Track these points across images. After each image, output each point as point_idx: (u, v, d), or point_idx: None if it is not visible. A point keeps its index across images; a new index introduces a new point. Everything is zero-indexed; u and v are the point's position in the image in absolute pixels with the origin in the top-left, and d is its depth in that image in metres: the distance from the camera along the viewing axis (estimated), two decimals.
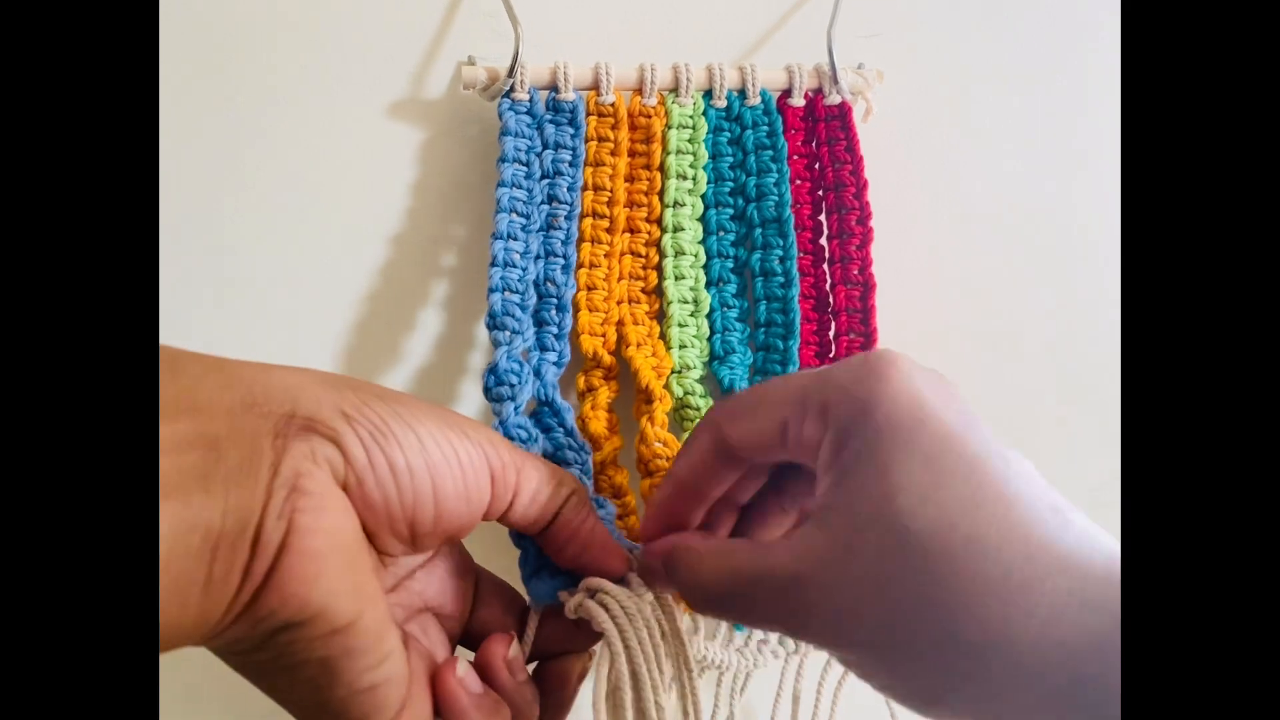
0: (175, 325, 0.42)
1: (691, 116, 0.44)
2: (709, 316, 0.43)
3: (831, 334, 0.44)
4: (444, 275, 0.45)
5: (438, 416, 0.29)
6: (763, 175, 0.44)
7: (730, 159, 0.44)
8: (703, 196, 0.44)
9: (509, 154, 0.41)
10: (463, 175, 0.44)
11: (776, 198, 0.44)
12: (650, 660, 0.31)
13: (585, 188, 0.43)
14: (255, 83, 0.43)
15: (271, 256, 0.44)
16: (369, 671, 0.27)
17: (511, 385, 0.37)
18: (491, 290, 0.40)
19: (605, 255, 0.43)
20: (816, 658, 0.43)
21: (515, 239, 0.41)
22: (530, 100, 0.42)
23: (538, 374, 0.40)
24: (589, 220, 0.43)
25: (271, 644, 0.26)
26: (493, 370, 0.38)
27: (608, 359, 0.42)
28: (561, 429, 0.39)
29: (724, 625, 0.43)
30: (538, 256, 0.41)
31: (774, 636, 0.43)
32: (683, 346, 0.42)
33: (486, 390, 0.38)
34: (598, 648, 0.31)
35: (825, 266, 0.45)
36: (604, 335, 0.42)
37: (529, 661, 0.34)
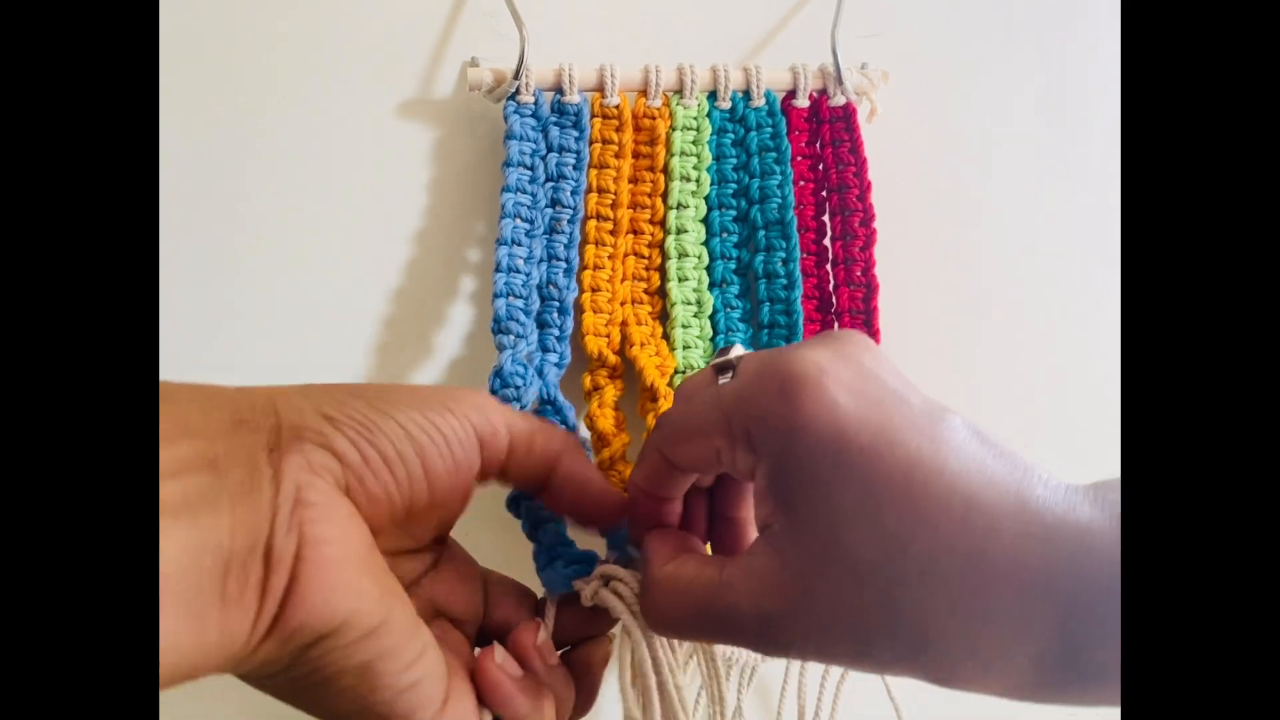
0: (194, 331, 0.42)
1: (696, 118, 0.44)
2: (712, 318, 0.44)
3: (838, 329, 0.44)
4: (467, 270, 0.45)
5: (416, 400, 0.30)
6: (766, 177, 0.44)
7: (734, 161, 0.45)
8: (706, 198, 0.44)
9: (514, 158, 0.42)
10: (476, 172, 0.45)
11: (780, 200, 0.44)
12: (666, 644, 0.32)
13: (590, 190, 0.43)
14: (262, 84, 0.44)
15: (288, 257, 0.44)
16: (408, 670, 0.28)
17: (517, 387, 0.38)
18: (496, 295, 0.40)
19: (609, 257, 0.43)
20: None
21: (519, 244, 0.41)
22: (535, 103, 0.42)
23: (540, 374, 0.40)
24: (593, 222, 0.43)
25: (305, 659, 0.26)
26: (498, 373, 0.39)
27: (612, 359, 0.42)
28: (563, 427, 0.39)
29: None
30: (541, 260, 0.42)
31: None
32: (686, 347, 0.43)
33: (492, 392, 0.39)
34: (616, 634, 0.32)
35: (828, 268, 0.45)
36: (608, 336, 0.42)
37: None
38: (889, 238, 0.45)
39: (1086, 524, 0.24)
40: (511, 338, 0.40)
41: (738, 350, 0.31)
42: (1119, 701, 0.23)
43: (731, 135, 0.45)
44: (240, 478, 0.25)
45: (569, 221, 0.42)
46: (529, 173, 0.42)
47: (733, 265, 0.44)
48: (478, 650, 0.33)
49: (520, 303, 0.41)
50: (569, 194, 0.42)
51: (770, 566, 0.27)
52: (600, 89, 0.43)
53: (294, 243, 0.44)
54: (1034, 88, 0.49)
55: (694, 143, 0.44)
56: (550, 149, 0.42)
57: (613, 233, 0.43)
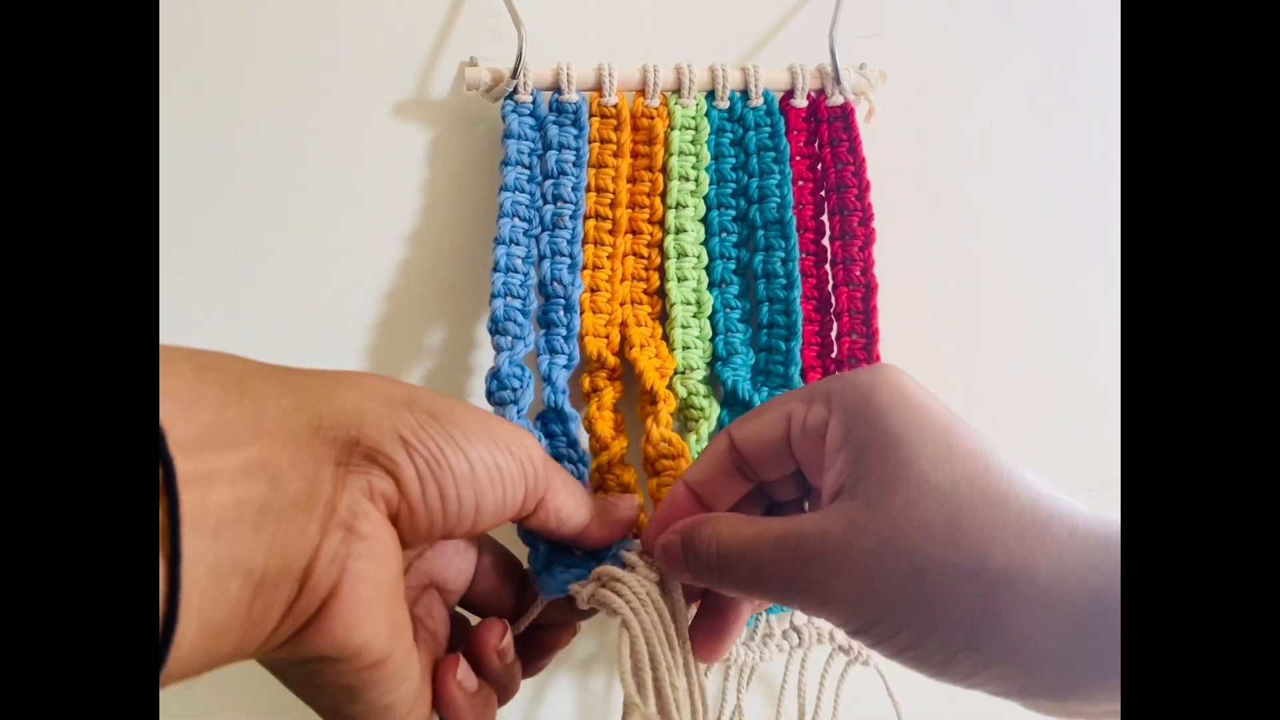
0: (190, 329, 0.42)
1: (694, 118, 0.44)
2: (711, 318, 0.44)
3: (833, 335, 0.44)
4: (464, 271, 0.45)
5: (486, 434, 0.30)
6: (765, 177, 0.44)
7: (732, 160, 0.45)
8: (705, 198, 0.44)
9: (512, 157, 0.42)
10: (472, 173, 0.45)
11: (779, 199, 0.44)
12: (664, 642, 0.32)
13: (588, 189, 0.43)
14: (259, 84, 0.44)
15: (280, 258, 0.44)
16: (389, 694, 0.29)
17: (514, 389, 0.38)
18: (494, 295, 0.40)
19: (608, 257, 0.43)
20: (820, 651, 0.44)
21: (517, 244, 0.41)
22: (533, 102, 0.42)
23: (548, 379, 0.40)
24: (592, 222, 0.43)
25: (305, 668, 0.27)
26: (495, 375, 0.38)
27: (612, 360, 0.42)
28: (565, 437, 0.39)
29: None
30: (543, 257, 0.41)
31: (779, 630, 0.43)
32: (685, 348, 0.43)
33: (489, 394, 0.38)
34: (617, 632, 0.32)
35: (827, 268, 0.45)
36: (607, 337, 0.42)
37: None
38: (888, 237, 0.45)
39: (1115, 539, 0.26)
40: (509, 339, 0.39)
41: None
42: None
43: (730, 135, 0.45)
44: (295, 495, 0.25)
45: (571, 217, 0.42)
46: (527, 172, 0.42)
47: (732, 265, 0.44)
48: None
49: (518, 303, 0.40)
50: (570, 190, 0.42)
51: (835, 505, 0.29)
52: (598, 88, 0.43)
53: (290, 243, 0.44)
54: (1033, 88, 0.49)
55: (692, 142, 0.44)
56: (549, 147, 0.42)
57: (611, 232, 0.43)
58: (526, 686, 0.45)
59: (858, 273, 0.44)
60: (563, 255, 0.42)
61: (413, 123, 0.44)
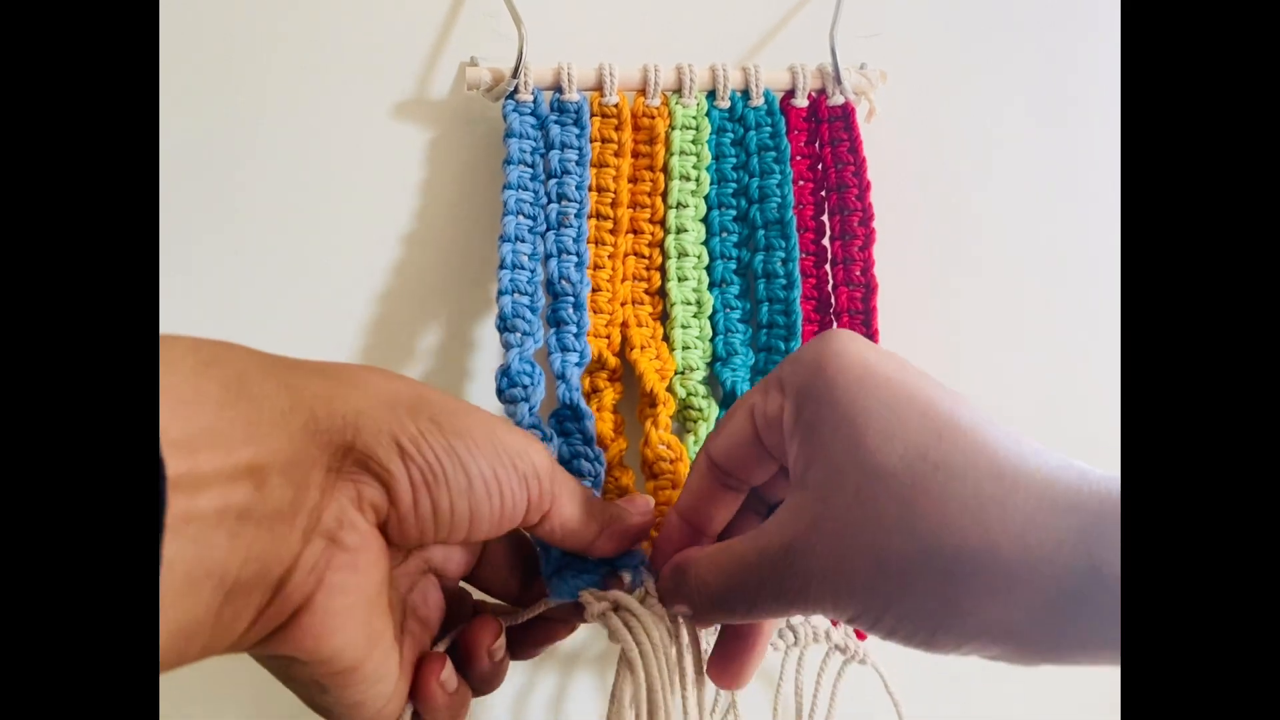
0: (189, 329, 0.42)
1: (695, 117, 0.44)
2: (711, 318, 0.43)
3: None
4: (464, 272, 0.45)
5: (491, 445, 0.29)
6: (766, 177, 0.44)
7: (733, 160, 0.45)
8: (706, 198, 0.44)
9: (514, 156, 0.42)
10: (470, 174, 0.45)
11: (779, 199, 0.44)
12: (667, 688, 0.31)
13: (589, 188, 0.43)
14: (259, 85, 0.44)
15: (280, 258, 0.44)
16: (359, 694, 0.28)
17: (525, 387, 0.38)
18: (501, 293, 0.40)
19: (609, 256, 0.43)
20: (817, 649, 0.44)
21: (523, 241, 0.41)
22: (534, 101, 0.42)
23: (561, 377, 0.40)
24: (593, 221, 0.43)
25: (276, 661, 0.27)
26: (505, 372, 0.38)
27: (613, 360, 0.42)
28: (580, 435, 0.39)
29: None
30: (549, 255, 0.41)
31: (775, 629, 0.43)
32: (686, 348, 0.43)
33: (499, 392, 0.38)
34: (618, 666, 0.32)
35: (827, 268, 0.45)
36: (608, 337, 0.42)
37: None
38: (888, 237, 0.45)
39: (1109, 478, 0.25)
40: (518, 335, 0.39)
41: None
42: (1112, 653, 0.23)
43: (731, 134, 0.45)
44: (279, 502, 0.25)
45: (576, 215, 0.42)
46: (530, 170, 0.42)
47: (733, 265, 0.44)
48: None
49: (526, 299, 0.40)
50: (574, 188, 0.42)
51: (792, 500, 0.28)
52: (599, 88, 0.43)
53: (289, 243, 0.44)
54: (1033, 87, 0.49)
55: (693, 142, 0.44)
56: (551, 146, 0.42)
57: (613, 231, 0.43)
58: (517, 684, 0.45)
59: (858, 273, 0.44)
60: (569, 253, 0.41)
61: (412, 123, 0.44)
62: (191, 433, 0.23)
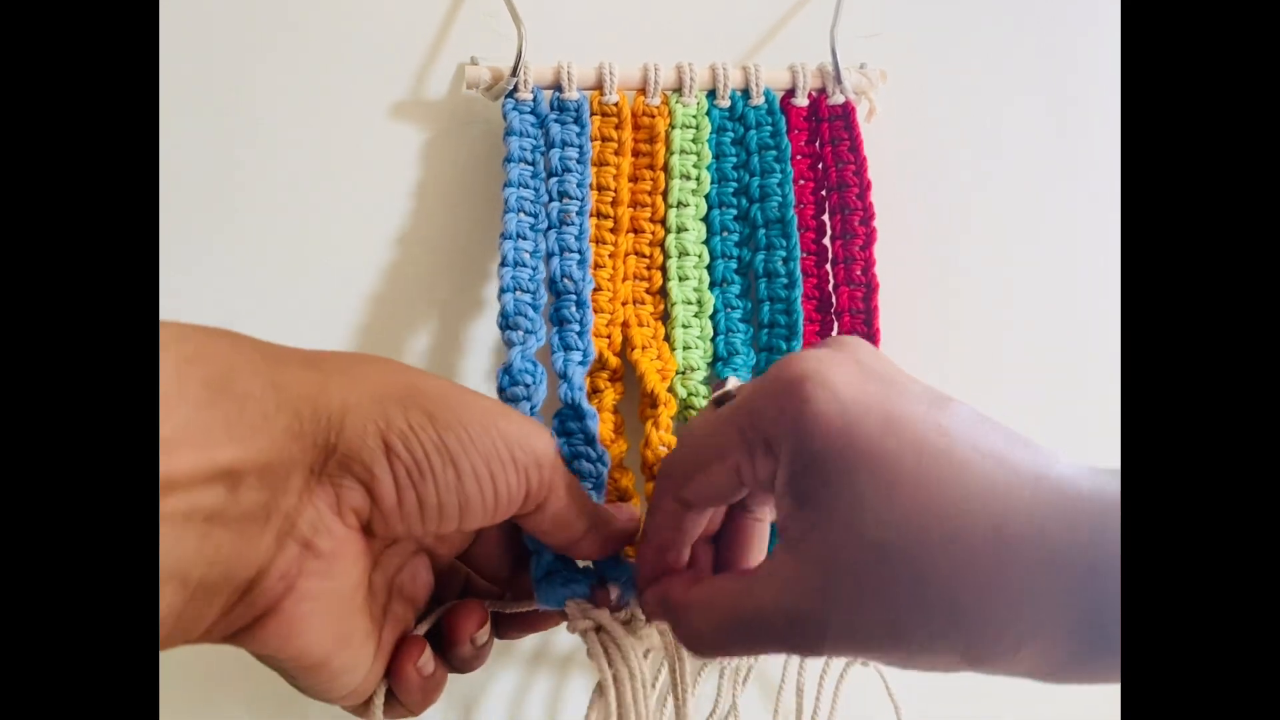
0: None
1: (695, 116, 0.44)
2: (712, 318, 0.43)
3: (834, 334, 0.44)
4: (450, 275, 0.45)
5: (489, 435, 0.29)
6: (766, 176, 0.44)
7: (734, 159, 0.45)
8: (706, 197, 0.44)
9: (514, 153, 0.42)
10: (467, 175, 0.45)
11: (780, 198, 0.44)
12: (643, 713, 0.31)
13: (590, 187, 0.43)
14: (256, 85, 0.44)
15: (276, 258, 0.44)
16: (326, 682, 0.29)
17: (527, 385, 0.37)
18: (503, 290, 0.40)
19: (610, 255, 0.43)
20: None
21: (524, 238, 0.41)
22: (534, 99, 0.42)
23: (564, 376, 0.39)
24: (594, 220, 0.43)
25: (238, 647, 0.27)
26: (507, 370, 0.38)
27: (613, 360, 0.42)
28: (582, 435, 0.38)
29: None
30: (550, 254, 0.41)
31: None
32: (687, 348, 0.43)
33: (501, 391, 0.38)
34: (593, 691, 0.32)
35: (828, 267, 0.45)
36: (609, 336, 0.42)
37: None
38: (889, 236, 0.45)
39: (1108, 494, 0.23)
40: (520, 333, 0.39)
41: (734, 382, 0.31)
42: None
43: (731, 134, 0.45)
44: (252, 505, 0.25)
45: (578, 213, 0.42)
46: (530, 168, 0.42)
47: (733, 264, 0.44)
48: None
49: (528, 297, 0.40)
50: (575, 186, 0.42)
51: (790, 563, 0.27)
52: (599, 87, 0.43)
53: (288, 243, 0.44)
54: (1033, 87, 0.49)
55: (693, 141, 0.44)
56: (551, 144, 0.42)
57: (613, 230, 0.43)
58: (514, 684, 0.45)
59: (859, 272, 0.44)
60: (572, 251, 0.41)
61: (411, 123, 0.44)
62: (166, 433, 0.23)
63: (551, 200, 0.42)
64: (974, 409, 0.26)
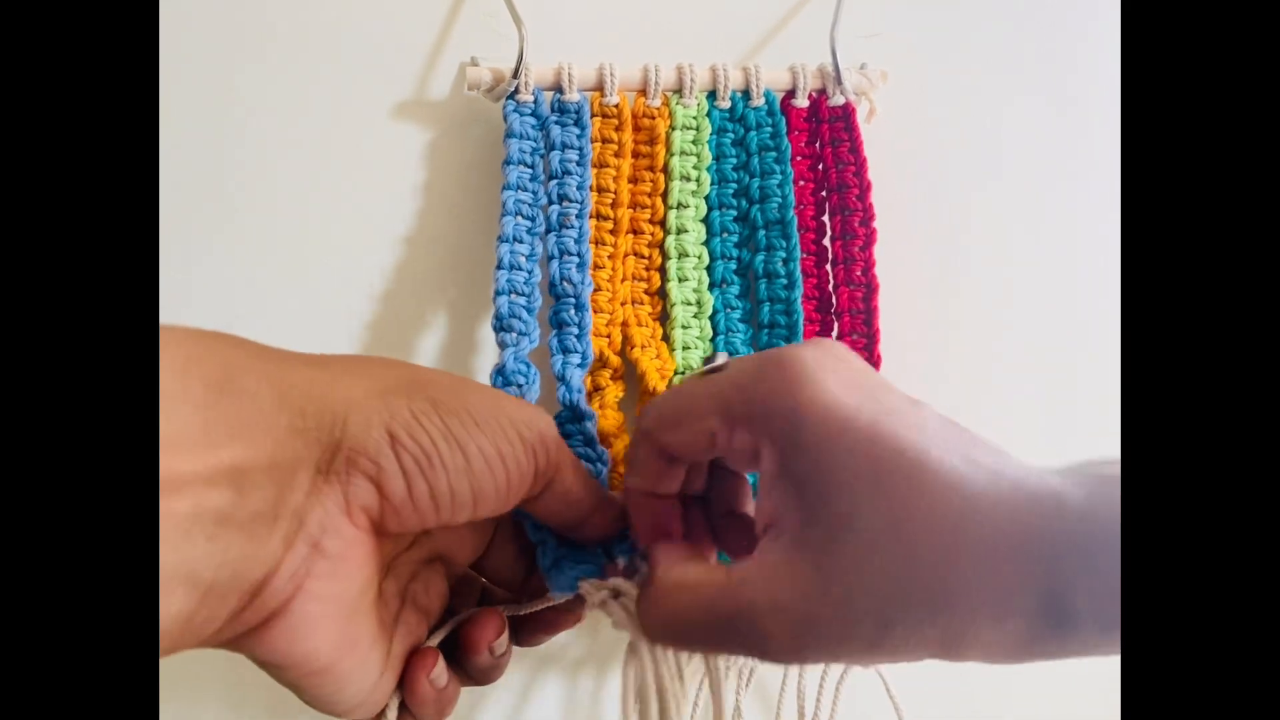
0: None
1: (695, 118, 0.44)
2: (712, 318, 0.43)
3: (834, 335, 0.44)
4: (452, 275, 0.45)
5: (495, 418, 0.29)
6: (766, 177, 0.44)
7: (734, 160, 0.45)
8: (706, 198, 0.44)
9: (514, 156, 0.42)
10: (468, 175, 0.45)
11: (780, 199, 0.44)
12: (674, 673, 0.31)
13: (590, 189, 0.43)
14: (257, 85, 0.44)
15: (276, 259, 0.44)
16: (332, 691, 0.28)
17: (519, 385, 0.38)
18: (498, 293, 0.40)
19: (609, 256, 0.43)
20: None
21: (521, 242, 0.41)
22: (535, 101, 0.42)
23: (561, 378, 0.39)
24: (593, 222, 0.43)
25: (244, 653, 0.27)
26: (500, 371, 0.38)
27: (614, 360, 0.42)
28: (582, 436, 0.38)
29: None
30: (550, 256, 0.41)
31: None
32: (686, 348, 0.43)
33: None
34: (625, 653, 0.31)
35: (828, 268, 0.45)
36: (609, 336, 0.42)
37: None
38: (889, 237, 0.45)
39: (1058, 491, 0.25)
40: (514, 335, 0.39)
41: (723, 357, 0.31)
42: (1104, 649, 0.24)
43: (731, 135, 0.45)
44: (260, 505, 0.24)
45: (578, 216, 0.42)
46: (529, 170, 0.42)
47: (733, 265, 0.44)
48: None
49: (522, 300, 0.40)
50: (575, 189, 0.42)
51: (786, 556, 0.27)
52: (599, 88, 0.43)
53: (289, 243, 0.44)
54: (1033, 87, 0.49)
55: (694, 142, 0.44)
56: (551, 147, 0.42)
57: (613, 232, 0.43)
58: (513, 686, 0.45)
59: (859, 273, 0.44)
60: (571, 255, 0.41)
61: (412, 123, 0.44)
62: (169, 434, 0.23)
63: (551, 203, 0.42)
64: (938, 411, 0.27)
